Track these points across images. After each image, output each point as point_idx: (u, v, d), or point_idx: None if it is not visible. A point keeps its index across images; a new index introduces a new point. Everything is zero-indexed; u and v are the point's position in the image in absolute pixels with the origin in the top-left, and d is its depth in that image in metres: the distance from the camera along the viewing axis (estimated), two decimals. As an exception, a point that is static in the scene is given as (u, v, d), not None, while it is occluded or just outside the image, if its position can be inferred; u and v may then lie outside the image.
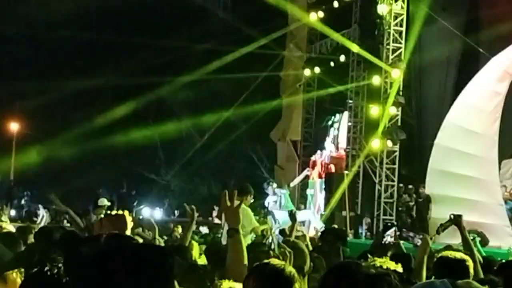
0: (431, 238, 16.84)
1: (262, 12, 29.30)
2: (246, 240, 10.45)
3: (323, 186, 24.27)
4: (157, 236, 7.95)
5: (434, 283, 2.98)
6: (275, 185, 24.53)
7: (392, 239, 7.56)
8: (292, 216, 9.53)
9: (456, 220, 7.70)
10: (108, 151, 37.94)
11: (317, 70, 27.43)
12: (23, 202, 40.47)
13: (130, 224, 4.71)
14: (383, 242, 7.46)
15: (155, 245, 2.49)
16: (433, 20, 23.35)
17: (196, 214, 8.21)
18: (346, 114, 26.04)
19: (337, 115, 26.93)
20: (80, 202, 36.37)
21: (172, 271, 2.56)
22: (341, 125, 26.41)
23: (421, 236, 7.80)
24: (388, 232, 7.65)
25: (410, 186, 23.22)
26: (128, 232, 4.67)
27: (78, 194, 38.21)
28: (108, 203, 24.49)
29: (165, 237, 14.01)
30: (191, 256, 8.02)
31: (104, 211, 22.73)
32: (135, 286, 2.41)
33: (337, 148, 25.68)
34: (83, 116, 37.27)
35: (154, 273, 2.45)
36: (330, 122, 27.22)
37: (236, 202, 5.03)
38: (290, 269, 3.77)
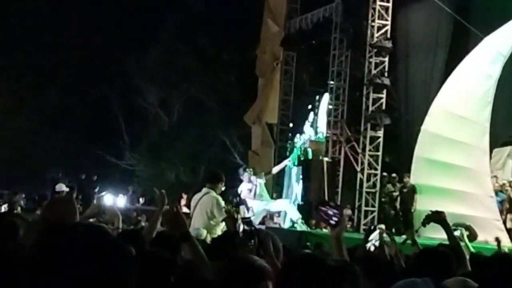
0: (416, 231, 17.00)
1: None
2: (217, 231, 10.42)
3: (300, 174, 24.27)
4: (120, 226, 7.83)
5: (415, 282, 2.97)
6: (252, 172, 24.44)
7: (377, 243, 7.35)
8: None
9: (439, 217, 7.58)
10: (67, 132, 37.80)
11: (295, 47, 27.44)
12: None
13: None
14: (367, 249, 7.31)
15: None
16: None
17: (165, 201, 7.93)
18: (326, 96, 26.08)
19: (317, 97, 27.00)
20: (37, 187, 36.26)
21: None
22: (320, 108, 26.47)
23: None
24: (372, 237, 7.43)
25: (394, 175, 23.26)
26: (76, 219, 4.51)
27: (34, 178, 37.99)
28: (67, 189, 24.47)
29: (132, 227, 13.91)
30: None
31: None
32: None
33: (316, 133, 25.73)
34: (40, 93, 37.06)
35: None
36: (309, 106, 27.28)
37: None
38: (260, 262, 3.72)
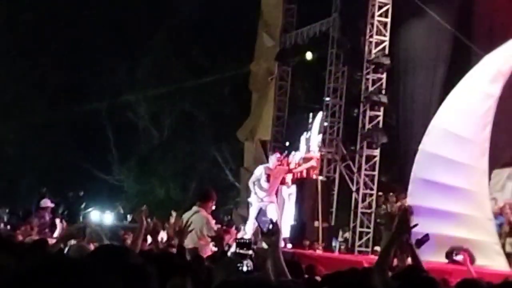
0: (408, 256, 16.93)
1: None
2: (207, 251, 10.43)
3: (291, 193, 24.18)
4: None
5: None
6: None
7: None
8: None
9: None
10: (53, 145, 37.70)
11: (291, 62, 27.48)
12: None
13: None
14: None
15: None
16: (421, 11, 23.43)
17: (143, 219, 7.85)
18: (319, 115, 26.10)
19: (310, 115, 27.01)
20: (21, 202, 36.15)
21: None
22: (313, 126, 26.47)
23: None
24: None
25: (390, 195, 23.26)
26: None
27: (19, 192, 37.91)
28: (52, 205, 24.42)
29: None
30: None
31: (47, 213, 22.59)
32: None
33: (308, 151, 25.71)
34: (26, 105, 37.01)
35: None
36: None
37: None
38: None
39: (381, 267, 6.09)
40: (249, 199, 23.41)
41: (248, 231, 21.10)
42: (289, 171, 24.14)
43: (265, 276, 5.27)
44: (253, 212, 22.39)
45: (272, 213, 22.23)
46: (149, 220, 8.08)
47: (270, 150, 27.79)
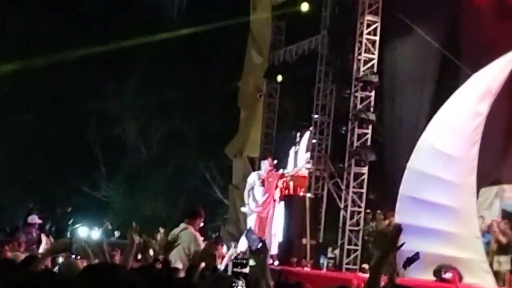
0: (397, 274, 16.88)
1: (220, 14, 29.31)
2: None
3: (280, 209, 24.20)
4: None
5: None
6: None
7: None
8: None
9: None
10: (41, 161, 37.57)
11: (280, 79, 27.47)
12: None
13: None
14: None
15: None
16: (409, 29, 23.50)
17: (136, 237, 7.82)
18: (307, 133, 26.12)
19: (298, 134, 27.04)
20: (8, 218, 35.96)
21: None
22: (301, 144, 26.49)
23: None
24: None
25: (378, 213, 23.23)
26: None
27: (6, 208, 37.73)
28: (39, 221, 24.27)
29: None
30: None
31: (34, 229, 22.45)
32: None
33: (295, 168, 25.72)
34: (13, 121, 36.89)
35: None
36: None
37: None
38: None
39: (372, 285, 6.03)
40: (243, 209, 23.48)
41: (241, 244, 21.15)
42: (282, 176, 24.21)
43: None
44: (251, 221, 22.50)
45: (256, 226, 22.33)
46: (138, 237, 8.02)
47: (258, 167, 27.78)
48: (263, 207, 23.14)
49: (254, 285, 5.75)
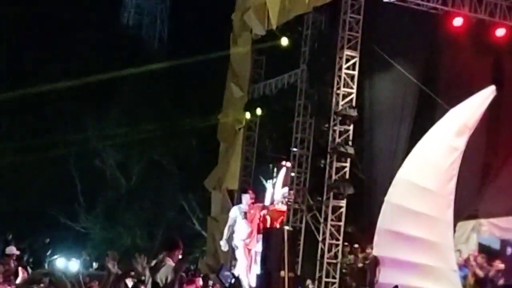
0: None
1: (200, 47, 29.42)
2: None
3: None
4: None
5: None
6: None
7: None
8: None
9: None
10: (19, 192, 37.39)
11: (259, 113, 27.51)
12: None
13: None
14: None
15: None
16: (388, 64, 23.63)
17: (113, 267, 7.70)
18: (284, 169, 26.19)
19: (275, 169, 27.09)
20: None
21: None
22: (277, 182, 26.55)
23: None
24: None
25: (356, 246, 23.22)
26: None
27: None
28: (17, 252, 24.04)
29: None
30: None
31: (12, 261, 22.27)
32: None
33: (272, 203, 25.74)
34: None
35: None
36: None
37: None
38: None
39: None
40: (222, 243, 23.47)
41: (239, 271, 21.35)
42: (263, 208, 24.24)
43: None
44: (240, 254, 22.47)
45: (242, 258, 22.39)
46: (116, 266, 7.93)
47: (237, 199, 27.74)
48: (250, 239, 23.14)
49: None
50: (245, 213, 23.22)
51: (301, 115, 25.16)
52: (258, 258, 22.73)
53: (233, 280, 5.79)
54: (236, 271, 21.37)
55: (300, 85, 25.47)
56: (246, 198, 23.87)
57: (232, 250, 24.67)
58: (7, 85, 34.41)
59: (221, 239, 26.82)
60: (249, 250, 22.87)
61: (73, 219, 40.40)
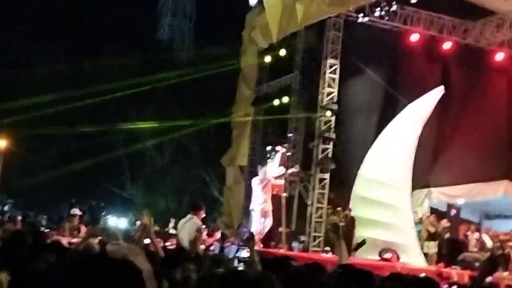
0: (350, 254, 16.89)
1: (219, 57, 29.38)
2: (198, 249, 10.38)
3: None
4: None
5: None
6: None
7: None
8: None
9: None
10: (82, 168, 37.56)
11: (263, 107, 27.56)
12: (6, 208, 39.72)
13: None
14: None
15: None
16: (361, 70, 23.66)
17: (147, 221, 7.67)
18: (279, 154, 26.07)
19: (269, 148, 27.04)
20: (56, 210, 35.90)
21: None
22: (274, 161, 26.54)
23: None
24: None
25: (339, 209, 23.27)
26: None
27: (55, 203, 37.65)
28: (80, 213, 24.21)
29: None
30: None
31: (76, 219, 22.40)
32: None
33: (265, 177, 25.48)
34: (59, 137, 36.88)
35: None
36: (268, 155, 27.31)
37: None
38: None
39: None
40: (252, 207, 23.12)
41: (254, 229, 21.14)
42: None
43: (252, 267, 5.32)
44: (256, 216, 22.16)
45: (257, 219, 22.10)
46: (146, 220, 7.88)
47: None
48: (265, 203, 22.85)
49: (251, 264, 5.83)
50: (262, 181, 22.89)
51: (295, 108, 25.20)
52: (269, 218, 22.62)
53: (248, 235, 5.89)
54: (252, 228, 21.33)
55: (294, 86, 25.49)
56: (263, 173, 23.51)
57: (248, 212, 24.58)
58: (72, 87, 34.43)
59: (234, 204, 26.99)
60: (265, 212, 22.56)
61: (121, 188, 40.60)
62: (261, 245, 21.11)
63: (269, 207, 22.34)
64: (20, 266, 3.85)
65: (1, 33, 37.62)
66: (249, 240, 6.20)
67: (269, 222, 21.98)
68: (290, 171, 22.87)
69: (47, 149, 37.16)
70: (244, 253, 8.84)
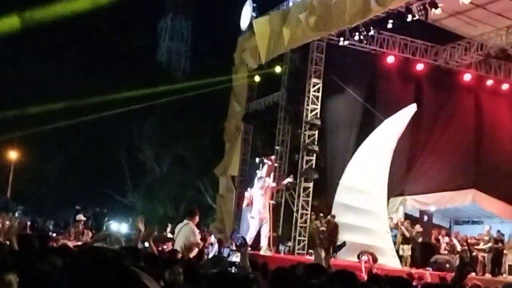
0: (332, 256, 16.82)
1: (213, 75, 29.41)
2: (193, 252, 10.33)
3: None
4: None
5: None
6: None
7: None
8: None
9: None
10: (86, 177, 37.46)
11: (252, 122, 27.56)
12: (16, 214, 39.48)
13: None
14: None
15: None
16: (342, 88, 23.71)
17: (142, 227, 7.61)
18: (266, 166, 25.94)
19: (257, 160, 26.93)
20: (62, 216, 35.72)
21: None
22: (262, 170, 26.42)
23: None
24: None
25: (321, 215, 23.25)
26: None
27: (60, 209, 37.46)
28: (84, 218, 24.16)
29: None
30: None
31: (81, 224, 22.28)
32: None
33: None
34: (66, 148, 36.78)
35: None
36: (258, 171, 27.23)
37: None
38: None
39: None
40: (251, 214, 22.34)
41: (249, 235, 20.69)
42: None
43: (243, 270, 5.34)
44: (254, 223, 21.49)
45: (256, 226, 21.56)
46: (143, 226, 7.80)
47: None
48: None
49: (241, 267, 5.83)
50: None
51: (282, 123, 25.20)
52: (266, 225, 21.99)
53: (242, 241, 5.87)
54: (250, 235, 20.86)
55: (281, 103, 25.48)
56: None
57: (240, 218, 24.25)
58: (79, 103, 34.34)
59: (226, 210, 26.84)
60: (262, 219, 21.88)
61: (123, 196, 40.46)
62: (249, 248, 20.99)
63: (267, 214, 22.13)
64: (28, 268, 3.83)
65: (15, 52, 37.54)
66: (242, 246, 6.18)
67: (266, 228, 21.70)
68: (286, 181, 22.73)
69: (55, 160, 37.04)
70: (235, 257, 8.85)
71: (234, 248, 12.77)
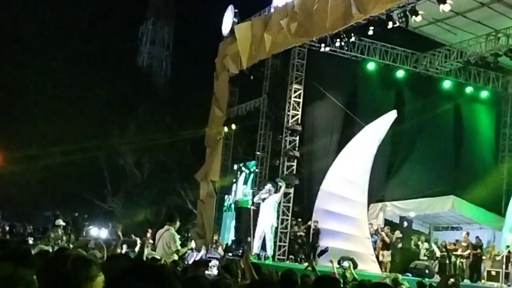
0: (314, 261, 16.78)
1: (193, 81, 29.36)
2: (174, 257, 10.22)
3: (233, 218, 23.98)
4: (105, 255, 7.62)
5: None
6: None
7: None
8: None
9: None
10: (67, 181, 37.10)
11: (233, 127, 27.51)
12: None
13: None
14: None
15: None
16: (323, 94, 23.75)
17: (120, 233, 7.73)
18: (243, 174, 25.80)
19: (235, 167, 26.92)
20: (41, 221, 35.35)
21: None
22: (240, 178, 26.41)
23: None
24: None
25: (300, 220, 23.23)
26: None
27: (39, 214, 37.08)
28: (63, 223, 23.90)
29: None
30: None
31: (60, 229, 22.04)
32: None
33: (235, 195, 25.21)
34: (46, 153, 36.40)
35: None
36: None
37: None
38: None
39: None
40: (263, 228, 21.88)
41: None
42: None
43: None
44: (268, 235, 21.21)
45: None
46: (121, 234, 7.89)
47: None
48: None
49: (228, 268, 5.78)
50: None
51: (263, 129, 25.19)
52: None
53: (241, 250, 5.95)
54: (256, 249, 20.67)
55: (262, 109, 25.50)
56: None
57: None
58: (59, 109, 34.05)
59: (207, 216, 26.73)
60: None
61: (103, 201, 40.09)
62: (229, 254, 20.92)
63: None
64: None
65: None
66: (242, 255, 6.26)
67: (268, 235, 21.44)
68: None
69: (35, 165, 36.65)
70: (213, 262, 8.84)
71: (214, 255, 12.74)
